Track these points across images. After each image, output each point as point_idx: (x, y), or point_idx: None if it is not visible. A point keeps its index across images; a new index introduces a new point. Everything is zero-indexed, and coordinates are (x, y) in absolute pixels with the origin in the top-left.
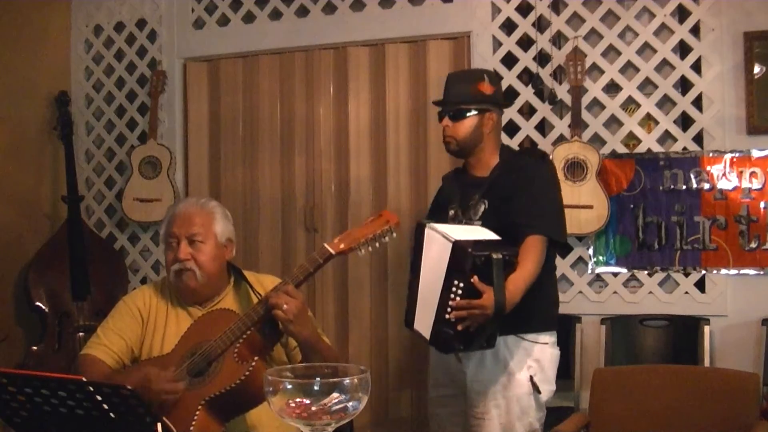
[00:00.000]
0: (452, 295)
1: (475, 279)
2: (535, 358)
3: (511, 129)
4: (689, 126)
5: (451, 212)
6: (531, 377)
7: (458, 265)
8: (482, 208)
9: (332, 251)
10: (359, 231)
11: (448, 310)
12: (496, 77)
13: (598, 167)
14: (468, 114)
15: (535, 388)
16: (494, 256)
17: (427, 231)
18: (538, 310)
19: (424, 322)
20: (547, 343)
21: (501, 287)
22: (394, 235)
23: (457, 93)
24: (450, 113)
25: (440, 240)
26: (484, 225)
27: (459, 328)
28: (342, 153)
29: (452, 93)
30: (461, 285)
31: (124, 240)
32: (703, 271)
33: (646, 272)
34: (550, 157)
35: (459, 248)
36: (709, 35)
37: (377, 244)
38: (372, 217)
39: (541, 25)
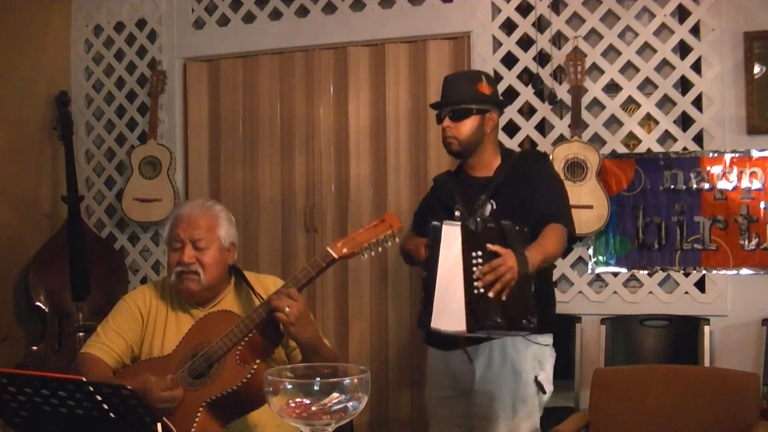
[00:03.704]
0: (474, 269)
1: (489, 245)
2: (539, 359)
3: (511, 129)
4: (689, 126)
5: (457, 213)
6: (536, 377)
7: (471, 239)
8: (489, 209)
9: (335, 255)
10: (362, 235)
11: (475, 284)
12: (492, 78)
13: (598, 167)
14: (470, 114)
15: (540, 389)
16: (504, 222)
17: (444, 228)
18: (543, 313)
19: (448, 317)
20: (548, 345)
21: (518, 246)
22: (397, 239)
23: (458, 93)
24: (450, 114)
25: (452, 229)
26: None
27: (491, 294)
28: (342, 153)
29: (452, 94)
30: (479, 254)
31: (124, 240)
32: (703, 271)
33: (646, 272)
34: (550, 157)
35: (468, 225)
36: (709, 35)
37: (380, 249)
38: (375, 221)
39: (541, 25)
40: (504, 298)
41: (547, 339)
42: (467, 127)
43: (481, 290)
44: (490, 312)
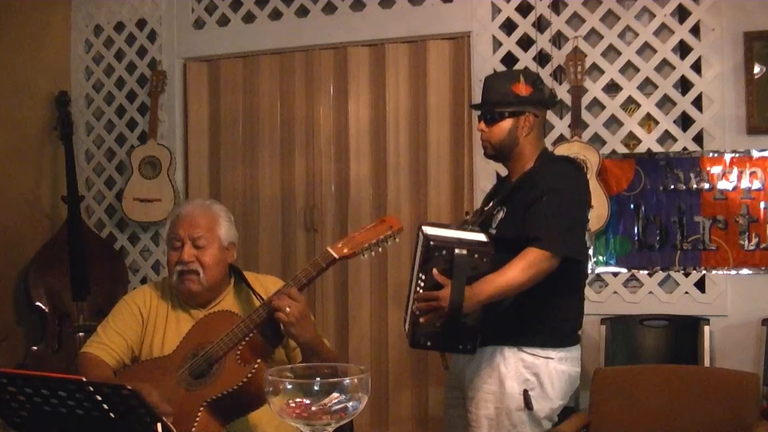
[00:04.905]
0: (418, 288)
1: (434, 271)
2: (533, 372)
3: None
4: (689, 126)
5: (467, 217)
6: (525, 391)
7: (425, 258)
8: (500, 216)
9: (336, 255)
10: (363, 235)
11: (414, 305)
12: (534, 77)
13: (598, 167)
14: (502, 117)
15: (527, 404)
16: (457, 250)
17: (420, 234)
18: (545, 325)
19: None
20: (551, 359)
21: (459, 283)
22: (397, 240)
23: (491, 95)
24: (486, 116)
25: (421, 238)
26: (499, 235)
27: (421, 320)
28: (342, 153)
29: (487, 95)
30: (423, 277)
31: (124, 240)
32: (703, 271)
33: (646, 272)
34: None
35: (426, 241)
36: (709, 35)
37: (380, 249)
38: (375, 222)
39: (541, 25)
40: (437, 325)
41: (553, 353)
42: (499, 130)
43: (416, 313)
44: (420, 334)
